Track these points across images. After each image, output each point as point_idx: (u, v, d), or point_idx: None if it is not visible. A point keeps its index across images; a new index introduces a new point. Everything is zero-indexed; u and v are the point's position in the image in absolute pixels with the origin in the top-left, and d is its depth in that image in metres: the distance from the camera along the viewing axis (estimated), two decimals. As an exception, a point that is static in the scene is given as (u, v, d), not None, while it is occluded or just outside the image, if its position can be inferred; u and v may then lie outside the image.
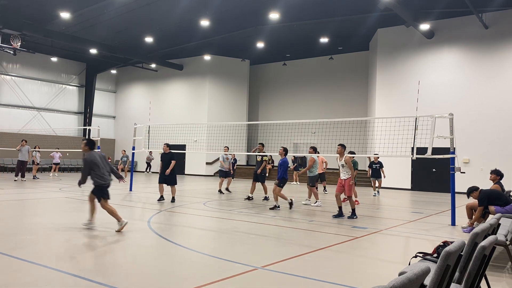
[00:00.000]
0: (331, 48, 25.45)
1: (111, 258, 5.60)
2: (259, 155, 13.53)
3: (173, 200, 12.20)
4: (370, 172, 16.41)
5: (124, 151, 24.28)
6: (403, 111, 19.85)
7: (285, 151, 11.34)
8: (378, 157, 16.12)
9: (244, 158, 29.51)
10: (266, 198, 13.27)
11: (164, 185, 12.31)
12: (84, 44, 24.13)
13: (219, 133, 25.43)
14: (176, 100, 29.90)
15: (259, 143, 14.09)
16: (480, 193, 8.02)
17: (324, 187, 17.17)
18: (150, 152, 28.30)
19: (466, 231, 8.48)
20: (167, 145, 12.43)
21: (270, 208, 11.20)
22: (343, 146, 10.28)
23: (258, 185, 13.69)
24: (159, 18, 21.21)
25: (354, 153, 14.73)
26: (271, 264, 5.47)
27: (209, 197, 14.10)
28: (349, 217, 9.96)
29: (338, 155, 10.29)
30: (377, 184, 16.48)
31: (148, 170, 29.36)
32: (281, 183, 11.12)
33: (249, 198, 13.35)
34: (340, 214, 10.11)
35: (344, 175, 10.20)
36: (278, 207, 11.19)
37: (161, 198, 12.26)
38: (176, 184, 12.28)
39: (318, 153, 17.31)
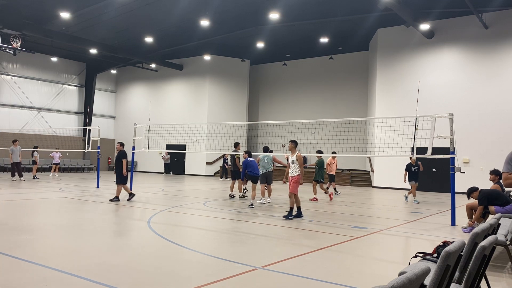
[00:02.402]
0: (331, 48, 25.44)
1: (111, 258, 5.60)
2: (235, 155, 14.08)
3: (114, 199, 12.05)
4: (407, 175, 14.68)
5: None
6: (403, 111, 19.86)
7: (247, 153, 12.59)
8: (416, 159, 14.29)
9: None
10: (232, 196, 13.82)
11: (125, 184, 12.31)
12: (84, 44, 24.12)
13: (219, 133, 25.44)
14: (176, 100, 29.90)
15: (235, 143, 14.70)
16: (480, 193, 8.02)
17: (335, 188, 16.87)
18: (166, 153, 28.18)
19: (466, 231, 8.49)
20: (120, 144, 12.46)
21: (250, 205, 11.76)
22: (294, 142, 9.92)
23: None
24: (159, 18, 21.21)
25: (322, 152, 14.63)
26: (271, 264, 5.47)
27: (209, 197, 14.10)
28: (285, 217, 9.65)
29: (289, 151, 9.99)
30: (407, 187, 14.90)
31: (169, 172, 28.90)
32: (249, 180, 12.10)
33: (243, 197, 13.81)
34: (299, 214, 9.84)
35: (292, 172, 9.81)
36: (252, 204, 11.65)
37: (130, 196, 12.22)
38: (120, 183, 12.08)
39: (335, 153, 16.81)
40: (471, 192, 8.27)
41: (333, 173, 16.58)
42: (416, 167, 14.59)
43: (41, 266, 5.07)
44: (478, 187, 8.25)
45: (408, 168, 14.70)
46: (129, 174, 12.58)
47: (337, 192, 16.88)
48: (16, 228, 7.48)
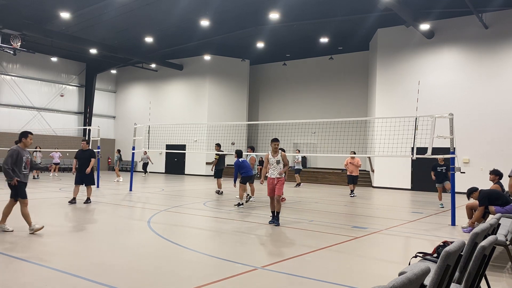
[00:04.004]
0: (331, 48, 25.44)
1: (111, 258, 5.60)
2: (215, 154, 14.54)
3: (88, 201, 11.28)
4: (433, 176, 13.39)
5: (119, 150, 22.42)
6: (403, 111, 19.84)
7: (236, 152, 12.64)
8: (444, 159, 13.07)
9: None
10: (219, 192, 14.81)
11: (81, 186, 11.44)
12: (84, 44, 24.12)
13: (219, 133, 25.43)
14: (176, 100, 29.90)
15: (216, 144, 15.07)
16: (480, 194, 8.01)
17: (352, 190, 16.29)
18: (144, 152, 25.40)
19: (466, 231, 8.49)
20: (86, 142, 11.82)
21: (234, 205, 11.86)
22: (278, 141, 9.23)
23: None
24: (159, 18, 21.21)
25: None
26: (271, 264, 5.47)
27: (209, 197, 14.10)
28: (275, 223, 8.79)
29: (273, 152, 9.08)
30: (439, 190, 13.55)
31: (146, 172, 26.53)
32: (241, 180, 12.19)
33: (219, 193, 14.94)
34: (276, 220, 8.93)
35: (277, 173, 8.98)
36: (242, 204, 11.74)
37: (73, 200, 11.17)
38: (93, 184, 11.55)
39: (354, 153, 16.18)
40: (471, 192, 8.26)
41: (354, 174, 15.98)
42: (444, 167, 13.12)
43: (41, 266, 5.07)
44: (478, 187, 8.24)
45: (434, 168, 13.35)
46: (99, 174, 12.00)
47: (353, 194, 16.04)
48: (16, 228, 7.47)
